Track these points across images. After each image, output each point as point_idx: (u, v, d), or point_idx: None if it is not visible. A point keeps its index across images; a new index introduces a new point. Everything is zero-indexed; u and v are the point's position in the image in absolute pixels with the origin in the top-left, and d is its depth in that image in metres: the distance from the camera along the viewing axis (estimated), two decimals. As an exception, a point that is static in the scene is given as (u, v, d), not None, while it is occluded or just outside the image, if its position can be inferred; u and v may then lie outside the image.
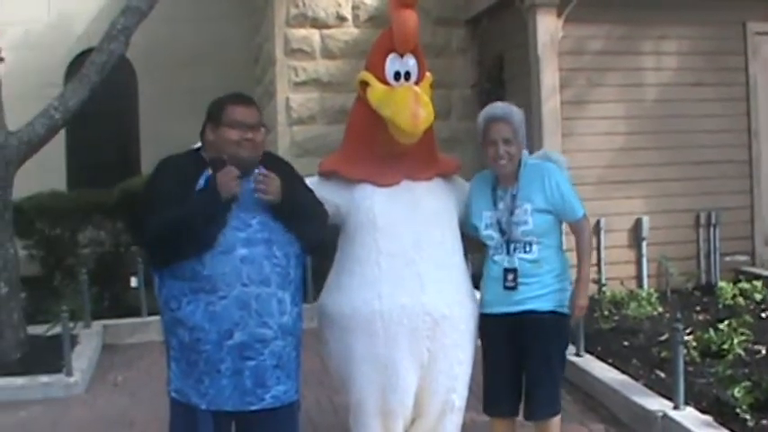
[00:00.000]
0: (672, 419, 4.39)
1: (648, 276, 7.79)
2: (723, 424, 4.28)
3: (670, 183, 7.78)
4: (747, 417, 4.33)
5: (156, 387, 5.13)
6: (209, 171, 3.12)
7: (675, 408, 4.48)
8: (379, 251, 3.64)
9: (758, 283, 7.14)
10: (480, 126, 3.78)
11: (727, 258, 7.94)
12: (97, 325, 7.26)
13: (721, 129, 7.93)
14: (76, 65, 9.48)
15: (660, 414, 4.49)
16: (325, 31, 9.12)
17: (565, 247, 3.82)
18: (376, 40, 3.92)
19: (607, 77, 7.79)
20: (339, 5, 9.10)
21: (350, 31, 9.10)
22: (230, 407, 3.13)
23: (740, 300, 6.85)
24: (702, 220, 7.93)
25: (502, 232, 3.70)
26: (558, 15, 7.47)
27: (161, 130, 10.22)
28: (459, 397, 3.76)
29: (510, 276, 3.68)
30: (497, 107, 3.80)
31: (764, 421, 4.32)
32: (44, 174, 9.14)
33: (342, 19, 9.09)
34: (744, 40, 8.06)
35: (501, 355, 3.76)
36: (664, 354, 5.46)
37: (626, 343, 5.95)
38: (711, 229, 7.91)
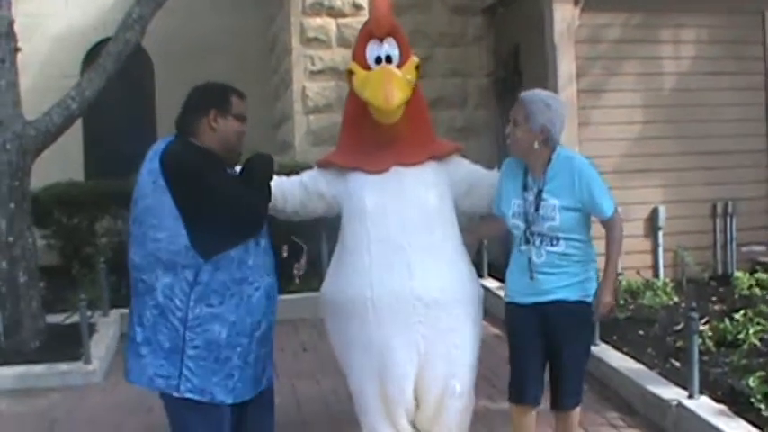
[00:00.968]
0: (686, 408, 4.39)
1: (664, 266, 7.77)
2: (737, 413, 4.27)
3: (687, 172, 7.75)
4: (762, 406, 4.32)
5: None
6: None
7: (690, 397, 4.47)
8: (369, 239, 3.69)
9: (774, 274, 7.10)
10: None
11: (744, 248, 7.91)
12: (115, 313, 7.29)
13: (739, 118, 7.89)
14: (93, 55, 9.54)
15: (675, 403, 4.49)
16: (341, 20, 9.13)
17: (593, 233, 3.73)
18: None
19: (624, 66, 7.75)
20: (354, -6, 9.10)
21: (366, 20, 9.07)
22: (249, 395, 3.18)
23: (756, 290, 6.82)
24: (719, 210, 7.91)
25: (528, 223, 3.63)
26: (575, 4, 7.44)
27: (177, 120, 10.23)
28: (460, 382, 3.72)
29: (535, 267, 3.62)
30: (529, 91, 3.73)
31: (779, 410, 4.31)
32: (62, 164, 9.20)
33: (357, 7, 9.08)
34: (762, 30, 8.01)
35: (527, 343, 3.70)
36: (679, 343, 5.46)
37: (641, 332, 5.95)
38: (728, 219, 7.89)
